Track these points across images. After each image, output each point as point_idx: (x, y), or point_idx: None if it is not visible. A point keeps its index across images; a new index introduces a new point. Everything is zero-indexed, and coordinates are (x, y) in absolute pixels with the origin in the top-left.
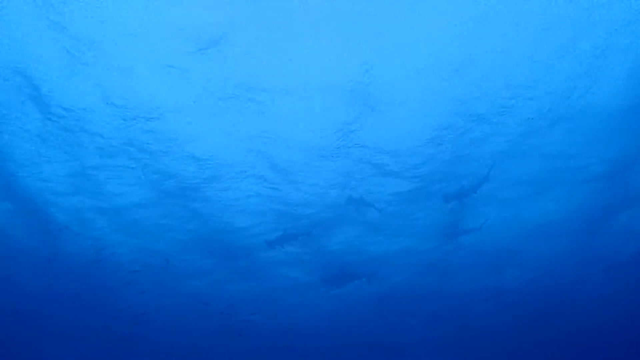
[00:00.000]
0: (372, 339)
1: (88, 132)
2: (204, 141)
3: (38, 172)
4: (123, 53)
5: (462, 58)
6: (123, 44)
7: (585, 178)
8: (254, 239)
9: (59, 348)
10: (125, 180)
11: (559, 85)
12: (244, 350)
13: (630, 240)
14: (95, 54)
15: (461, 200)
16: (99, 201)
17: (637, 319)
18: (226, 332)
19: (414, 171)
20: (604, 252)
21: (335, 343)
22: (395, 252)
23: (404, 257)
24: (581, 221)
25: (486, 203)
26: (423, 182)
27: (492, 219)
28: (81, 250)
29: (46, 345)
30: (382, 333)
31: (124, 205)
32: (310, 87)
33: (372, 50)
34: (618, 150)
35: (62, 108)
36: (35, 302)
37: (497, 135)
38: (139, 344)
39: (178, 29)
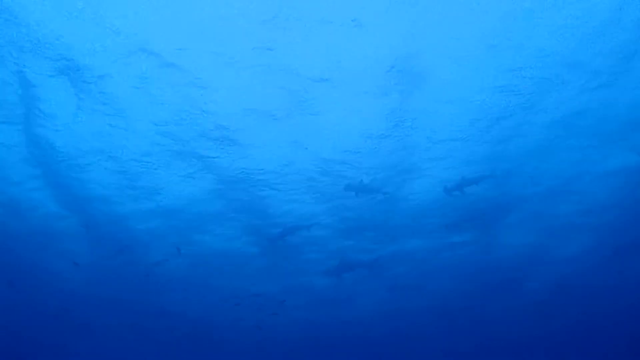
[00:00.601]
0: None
1: (132, 129)
2: (248, 132)
3: (83, 171)
4: (162, 47)
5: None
6: (165, 39)
7: (608, 172)
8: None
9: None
10: (168, 175)
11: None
12: (264, 346)
13: None
14: (144, 55)
15: (462, 190)
16: (145, 200)
17: None
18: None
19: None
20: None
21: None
22: (419, 248)
23: (419, 253)
24: (604, 216)
25: (512, 197)
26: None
27: (518, 214)
28: (117, 250)
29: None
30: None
31: (170, 202)
32: (350, 74)
33: (412, 34)
34: None
35: (112, 107)
36: (66, 301)
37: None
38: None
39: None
